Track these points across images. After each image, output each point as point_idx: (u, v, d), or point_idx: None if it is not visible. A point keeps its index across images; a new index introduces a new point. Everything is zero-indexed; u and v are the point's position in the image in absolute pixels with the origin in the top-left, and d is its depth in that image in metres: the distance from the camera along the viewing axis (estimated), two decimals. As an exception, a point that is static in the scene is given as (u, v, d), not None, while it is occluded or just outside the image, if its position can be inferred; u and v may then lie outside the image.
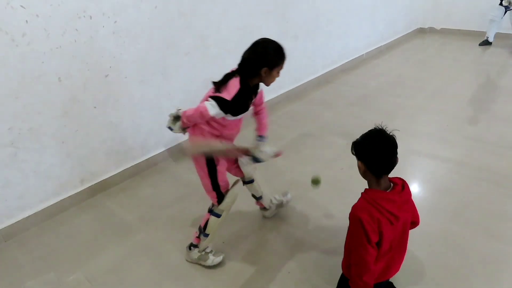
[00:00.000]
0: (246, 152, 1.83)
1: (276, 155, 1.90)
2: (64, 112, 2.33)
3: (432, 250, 2.04)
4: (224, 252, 2.06)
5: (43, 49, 2.12)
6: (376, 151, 1.45)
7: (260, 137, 1.96)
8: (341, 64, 5.04)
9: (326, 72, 4.78)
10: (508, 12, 5.59)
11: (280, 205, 2.37)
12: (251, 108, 1.84)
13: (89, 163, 2.57)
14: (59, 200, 2.46)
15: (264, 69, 1.66)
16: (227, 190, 1.90)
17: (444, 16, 6.88)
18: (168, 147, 3.05)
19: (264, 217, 2.36)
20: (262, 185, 2.45)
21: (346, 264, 1.65)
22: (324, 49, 4.64)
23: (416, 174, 2.76)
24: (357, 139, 1.53)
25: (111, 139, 2.64)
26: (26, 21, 2.01)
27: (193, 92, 3.07)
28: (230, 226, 2.30)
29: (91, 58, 2.35)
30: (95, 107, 2.47)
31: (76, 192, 2.54)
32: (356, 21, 5.10)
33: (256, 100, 1.86)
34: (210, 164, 1.80)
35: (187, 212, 2.44)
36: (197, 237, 1.99)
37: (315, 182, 1.93)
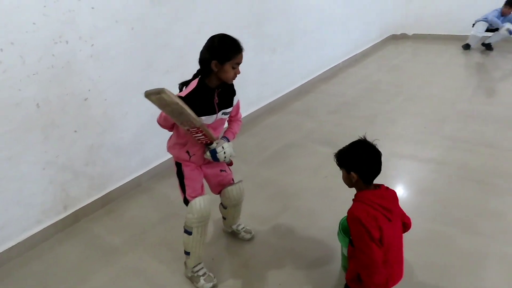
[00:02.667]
0: (210, 139, 1.76)
1: (230, 162, 1.92)
2: (43, 138, 2.30)
3: (419, 250, 2.08)
4: (216, 274, 2.01)
5: (20, 76, 2.10)
6: (368, 160, 1.54)
7: (225, 137, 1.90)
8: (319, 74, 5.15)
9: (305, 83, 4.86)
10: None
11: (235, 234, 2.30)
12: (223, 115, 1.82)
13: (72, 188, 2.53)
14: (42, 228, 2.41)
15: (213, 63, 1.61)
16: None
17: (415, 22, 7.14)
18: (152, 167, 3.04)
19: (224, 228, 2.35)
20: (248, 199, 2.45)
21: (350, 274, 1.62)
22: (302, 60, 4.73)
23: (398, 176, 2.82)
24: (342, 151, 1.60)
25: (93, 162, 2.62)
26: (1, 49, 2.00)
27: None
28: (219, 242, 2.30)
29: (69, 82, 2.35)
30: (75, 131, 2.45)
31: (59, 218, 2.49)
32: (331, 32, 5.23)
33: (232, 110, 1.87)
34: (178, 164, 1.86)
35: (175, 231, 2.41)
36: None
37: None
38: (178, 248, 2.13)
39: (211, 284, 1.93)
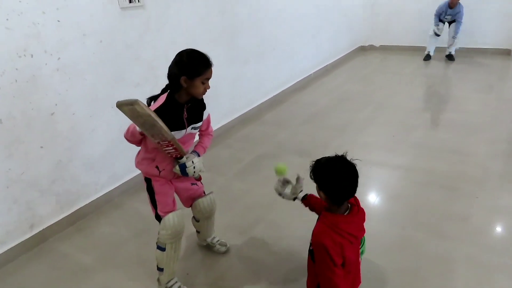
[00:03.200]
0: (180, 153, 1.73)
1: (199, 177, 1.90)
2: (7, 155, 2.21)
3: (390, 256, 2.13)
4: (190, 284, 2.00)
5: (-19, 91, 2.03)
6: (338, 184, 1.43)
7: (195, 151, 1.88)
8: (291, 84, 5.22)
9: (277, 93, 4.92)
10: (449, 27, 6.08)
11: (211, 247, 2.27)
12: (192, 130, 1.81)
13: (39, 207, 2.43)
14: (6, 249, 2.30)
15: (182, 78, 1.61)
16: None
17: (382, 34, 7.41)
18: (122, 182, 2.97)
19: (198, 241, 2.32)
20: (222, 211, 2.44)
21: (311, 284, 1.67)
22: (274, 71, 4.80)
23: (370, 183, 2.89)
24: (316, 164, 1.50)
25: (62, 178, 2.53)
26: (-40, 63, 1.92)
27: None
28: (193, 256, 2.27)
29: (34, 97, 2.27)
30: (42, 147, 2.37)
31: (25, 238, 2.38)
32: (301, 44, 5.34)
33: (202, 125, 1.87)
34: (147, 180, 1.82)
35: (148, 247, 2.36)
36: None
37: (280, 171, 1.84)
38: (151, 265, 2.09)
39: None
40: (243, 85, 4.20)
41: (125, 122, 2.88)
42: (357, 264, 1.63)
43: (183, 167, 1.75)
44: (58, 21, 2.32)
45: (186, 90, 1.66)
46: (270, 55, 4.63)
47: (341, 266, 1.48)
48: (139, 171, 2.98)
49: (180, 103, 1.69)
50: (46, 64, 2.30)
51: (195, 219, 2.13)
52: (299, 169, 3.19)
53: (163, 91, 1.73)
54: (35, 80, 2.26)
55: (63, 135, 2.48)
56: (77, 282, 2.12)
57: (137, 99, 1.46)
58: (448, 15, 5.94)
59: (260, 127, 4.12)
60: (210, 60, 1.66)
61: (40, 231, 2.45)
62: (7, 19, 2.08)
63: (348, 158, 1.48)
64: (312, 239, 1.51)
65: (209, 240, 2.25)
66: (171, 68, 1.67)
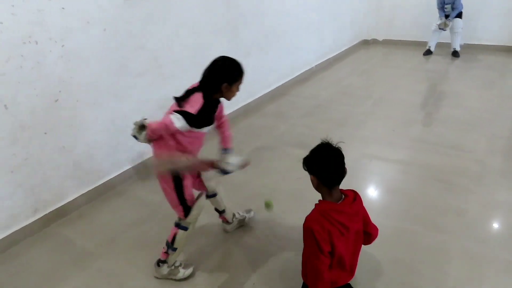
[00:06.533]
0: (212, 165, 1.87)
1: (244, 165, 1.96)
2: (12, 140, 2.24)
3: (387, 247, 2.17)
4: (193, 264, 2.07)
5: (-14, 77, 2.05)
6: (325, 164, 1.55)
7: (225, 149, 2.03)
8: (293, 77, 5.23)
9: (279, 85, 4.93)
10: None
11: (242, 221, 2.40)
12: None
13: (43, 192, 2.48)
14: (10, 232, 2.34)
15: (224, 85, 1.76)
16: (193, 204, 1.95)
17: (385, 28, 7.37)
18: (134, 164, 3.00)
19: (225, 231, 2.39)
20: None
21: (304, 273, 1.71)
22: (276, 63, 4.80)
23: (368, 177, 2.92)
24: (307, 155, 1.63)
25: (65, 165, 2.57)
26: (-34, 49, 1.95)
27: (148, 112, 3.06)
28: (193, 242, 2.31)
29: (39, 83, 2.30)
30: (45, 133, 2.40)
31: (29, 222, 2.43)
32: (305, 36, 5.33)
33: (217, 113, 1.95)
34: (177, 179, 1.85)
35: (150, 233, 2.41)
36: (164, 252, 2.00)
37: (268, 205, 2.02)
38: (153, 251, 2.14)
39: (191, 269, 2.05)
40: (246, 76, 4.19)
41: (127, 111, 2.89)
42: (353, 257, 1.66)
43: (226, 172, 1.90)
44: (63, 8, 2.33)
45: (222, 93, 1.80)
46: (273, 47, 4.63)
47: (328, 254, 1.52)
48: (145, 157, 3.03)
49: (216, 102, 1.87)
50: (50, 51, 2.32)
51: (213, 196, 2.20)
52: (298, 162, 3.22)
53: (188, 92, 1.78)
54: (39, 66, 2.28)
55: (66, 122, 2.51)
56: (80, 267, 2.17)
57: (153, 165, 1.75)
58: (447, 4, 5.96)
59: (260, 119, 4.14)
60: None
61: (43, 215, 2.50)
62: (12, 5, 2.09)
63: (333, 143, 1.59)
64: (303, 224, 1.56)
65: (237, 216, 2.36)
66: (213, 73, 1.77)
